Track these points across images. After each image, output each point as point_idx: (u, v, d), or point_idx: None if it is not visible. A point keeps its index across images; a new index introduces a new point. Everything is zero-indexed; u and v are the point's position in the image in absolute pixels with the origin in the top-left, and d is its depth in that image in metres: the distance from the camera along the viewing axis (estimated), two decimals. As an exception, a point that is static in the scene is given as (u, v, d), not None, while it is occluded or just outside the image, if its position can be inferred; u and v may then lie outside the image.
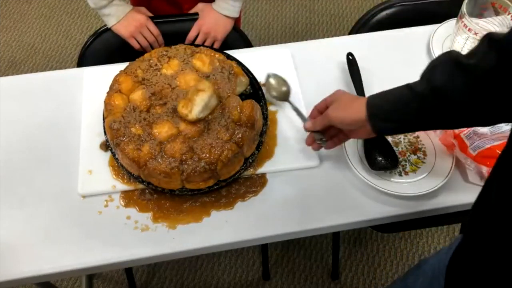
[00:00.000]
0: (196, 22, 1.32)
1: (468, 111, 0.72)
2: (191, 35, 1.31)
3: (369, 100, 0.81)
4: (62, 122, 1.04)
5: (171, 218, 0.91)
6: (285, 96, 1.04)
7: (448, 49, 1.15)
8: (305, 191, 0.95)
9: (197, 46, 1.03)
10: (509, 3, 1.06)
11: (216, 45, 1.33)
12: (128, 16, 1.28)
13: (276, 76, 1.06)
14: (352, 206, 0.93)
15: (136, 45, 1.30)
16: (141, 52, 1.30)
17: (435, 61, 0.76)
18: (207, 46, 1.05)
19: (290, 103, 1.02)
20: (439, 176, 0.94)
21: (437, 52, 1.15)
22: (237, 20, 1.36)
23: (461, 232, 1.66)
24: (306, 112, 1.04)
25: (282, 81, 1.05)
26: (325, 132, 0.91)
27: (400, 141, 1.01)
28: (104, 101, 0.96)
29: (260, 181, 0.96)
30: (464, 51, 1.10)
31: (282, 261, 1.71)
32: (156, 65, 0.99)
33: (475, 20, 1.07)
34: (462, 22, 1.07)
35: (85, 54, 1.32)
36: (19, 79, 1.13)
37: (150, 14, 1.34)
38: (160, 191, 0.92)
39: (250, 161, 0.94)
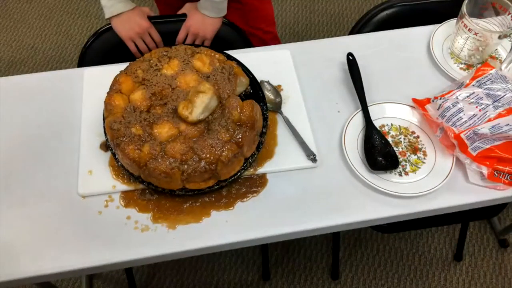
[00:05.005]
0: (184, 23, 1.31)
1: None
2: (180, 37, 1.31)
3: None
4: (62, 122, 1.04)
5: (171, 218, 0.91)
6: (276, 107, 1.04)
7: (448, 49, 1.15)
8: (305, 191, 0.95)
9: (197, 46, 1.03)
10: (509, 3, 1.06)
11: (206, 45, 1.32)
12: (131, 19, 1.27)
13: (269, 85, 1.06)
14: (352, 206, 0.93)
15: (133, 49, 1.30)
16: (140, 53, 1.30)
17: None
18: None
19: (281, 113, 1.03)
20: (439, 176, 0.94)
21: (437, 52, 1.15)
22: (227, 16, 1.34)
23: (461, 231, 1.66)
24: (305, 115, 1.04)
25: (274, 91, 1.06)
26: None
27: (400, 141, 1.01)
28: (104, 101, 0.96)
29: (260, 181, 0.96)
30: (464, 51, 1.11)
31: (282, 261, 1.71)
32: (156, 65, 0.99)
33: (475, 20, 1.08)
34: (462, 22, 1.07)
35: (85, 54, 1.32)
36: (19, 79, 1.13)
37: (153, 14, 1.34)
38: (160, 191, 0.92)
39: (250, 161, 0.94)
